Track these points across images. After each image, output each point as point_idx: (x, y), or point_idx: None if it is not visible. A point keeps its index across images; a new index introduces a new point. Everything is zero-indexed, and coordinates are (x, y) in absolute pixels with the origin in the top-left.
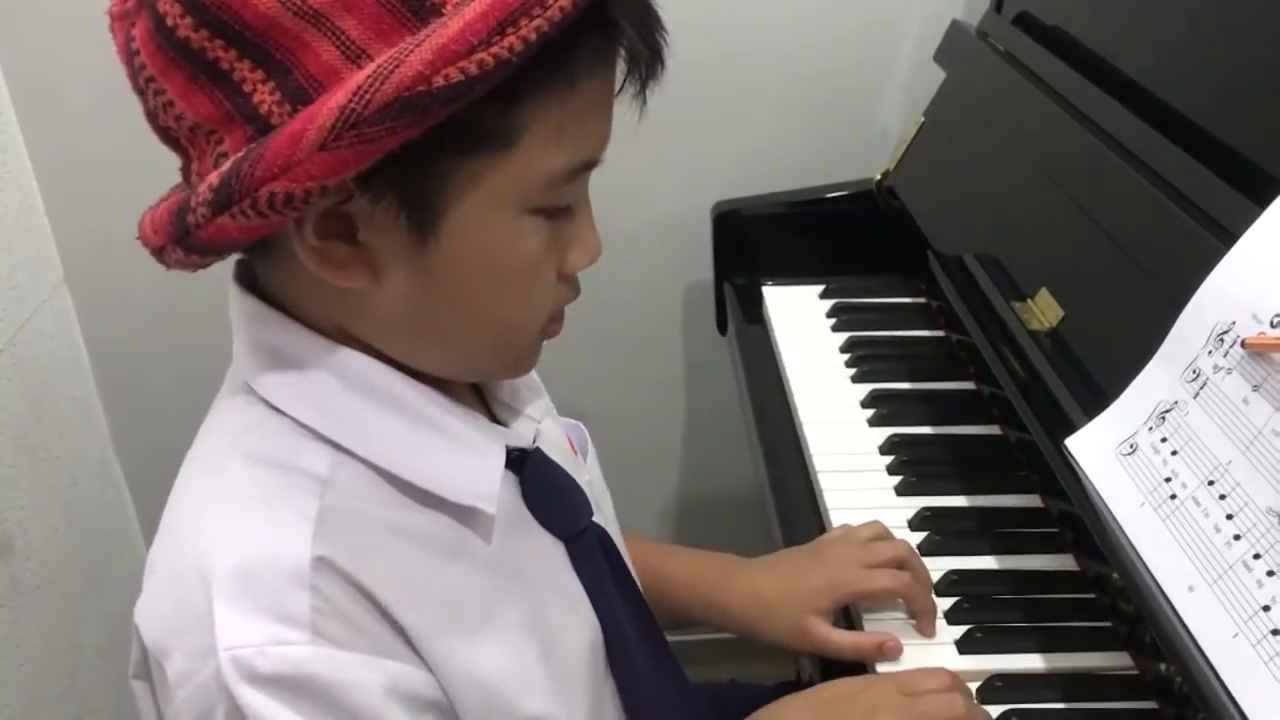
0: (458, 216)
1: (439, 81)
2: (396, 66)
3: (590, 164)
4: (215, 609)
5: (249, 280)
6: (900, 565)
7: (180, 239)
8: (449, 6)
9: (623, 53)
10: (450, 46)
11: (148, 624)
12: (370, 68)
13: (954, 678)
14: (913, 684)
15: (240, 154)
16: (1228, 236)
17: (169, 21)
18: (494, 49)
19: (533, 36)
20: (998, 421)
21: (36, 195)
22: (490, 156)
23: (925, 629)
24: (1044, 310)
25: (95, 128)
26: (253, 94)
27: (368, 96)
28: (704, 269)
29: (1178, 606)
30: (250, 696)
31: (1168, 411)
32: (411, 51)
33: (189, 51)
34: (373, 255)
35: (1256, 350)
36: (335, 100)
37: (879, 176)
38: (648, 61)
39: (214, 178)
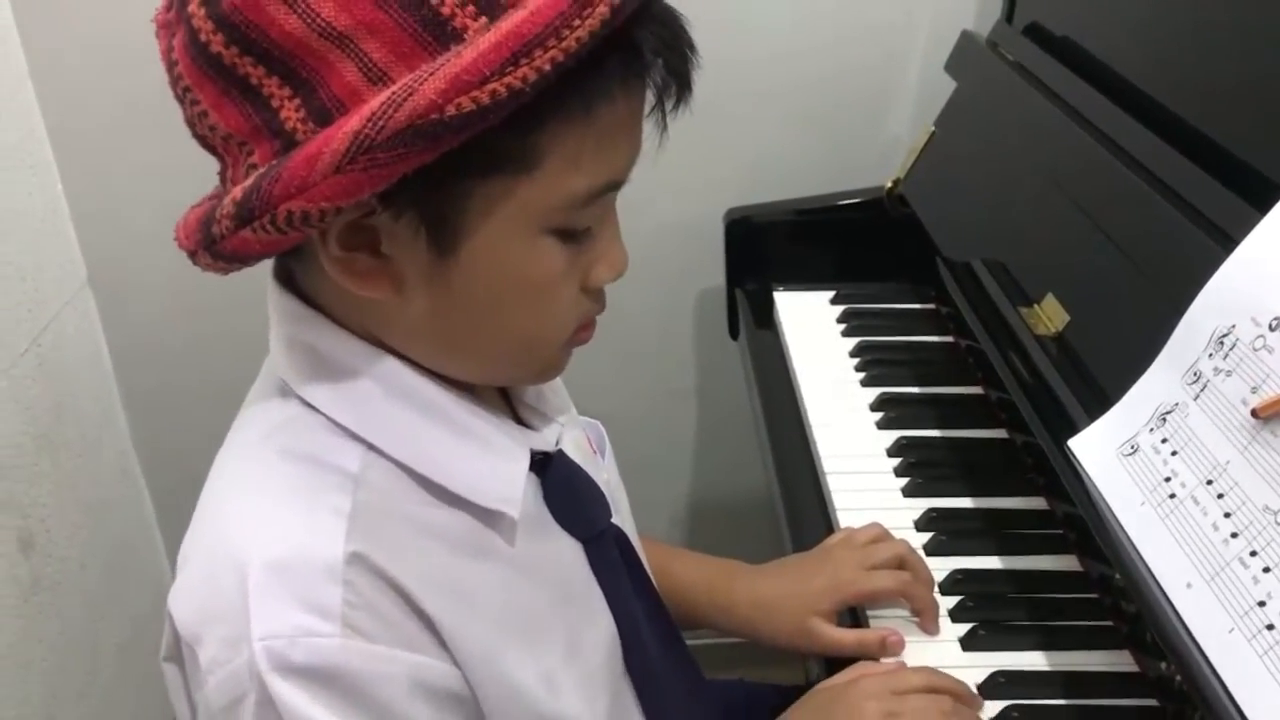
0: (478, 235)
1: (451, 110)
2: (410, 94)
3: (614, 185)
4: (250, 599)
5: (287, 278)
6: (900, 565)
7: (208, 247)
8: (470, 32)
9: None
10: (463, 76)
11: (181, 610)
12: (386, 93)
13: (941, 676)
14: (898, 680)
15: (263, 170)
16: (1230, 242)
17: (202, 37)
18: (507, 79)
19: (547, 68)
20: (1004, 425)
21: (61, 199)
22: (511, 179)
23: (928, 626)
24: (1050, 315)
25: (121, 132)
26: (279, 110)
27: (381, 123)
28: (717, 275)
29: (1175, 603)
30: (281, 687)
31: (1169, 413)
32: (426, 79)
33: (221, 66)
34: (395, 267)
35: (1266, 418)
36: (350, 125)
37: (889, 184)
38: (673, 86)
39: (237, 192)
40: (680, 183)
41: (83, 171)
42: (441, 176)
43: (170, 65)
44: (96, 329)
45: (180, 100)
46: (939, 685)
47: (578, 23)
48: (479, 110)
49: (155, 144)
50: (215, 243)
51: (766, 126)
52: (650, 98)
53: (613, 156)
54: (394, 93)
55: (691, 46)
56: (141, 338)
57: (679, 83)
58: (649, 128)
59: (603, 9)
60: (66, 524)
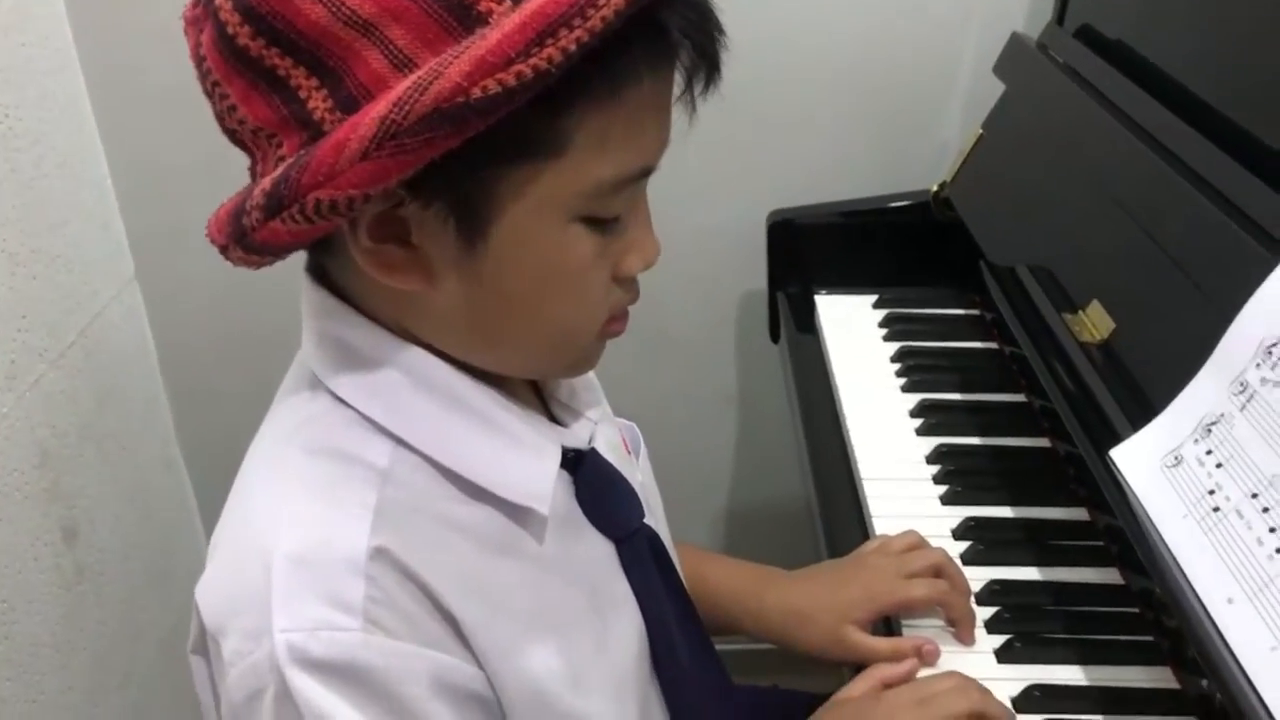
0: (507, 223)
1: (477, 93)
2: (435, 78)
3: (645, 171)
4: (273, 592)
5: (320, 272)
6: (937, 574)
7: (239, 239)
8: (495, 15)
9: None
10: (488, 59)
11: (207, 602)
12: (412, 78)
13: (966, 680)
14: (925, 687)
15: (291, 160)
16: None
17: (229, 30)
18: (532, 61)
19: (572, 48)
20: (1047, 434)
21: (110, 193)
22: (538, 164)
23: (964, 636)
24: (1095, 322)
25: (170, 127)
26: (307, 100)
27: (407, 108)
28: (760, 278)
29: (1216, 618)
30: (300, 680)
31: (1214, 424)
32: (450, 63)
33: (248, 59)
34: (426, 258)
35: None
36: (376, 111)
37: (935, 188)
38: (702, 69)
39: (266, 183)
40: (725, 184)
41: (131, 166)
42: (469, 163)
43: (199, 61)
44: (143, 322)
45: (209, 95)
46: (963, 682)
47: (603, 2)
48: (504, 92)
49: (203, 139)
50: (246, 234)
51: (813, 128)
52: (680, 81)
53: (641, 140)
54: (419, 77)
55: (720, 28)
56: (187, 331)
57: (708, 65)
58: (681, 118)
59: None
60: (109, 514)
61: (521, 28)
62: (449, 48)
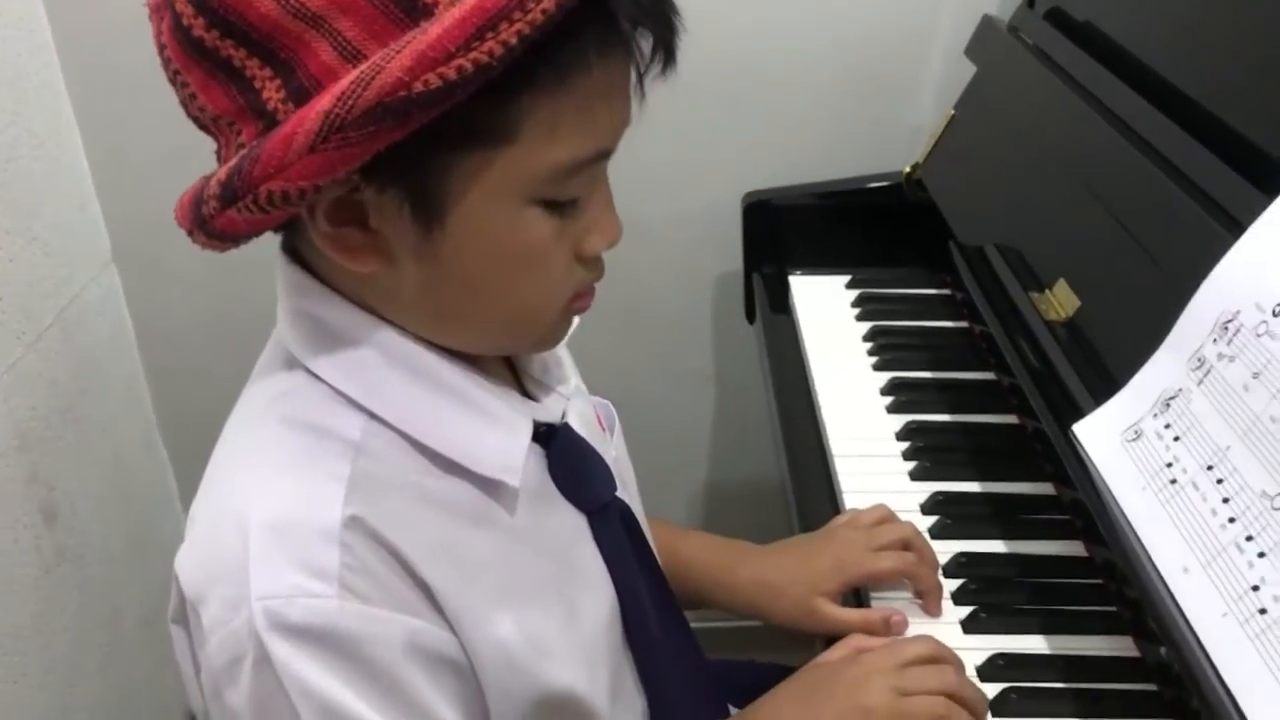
0: (462, 208)
1: (419, 88)
2: (378, 72)
3: (600, 154)
4: (250, 560)
5: (294, 251)
6: (906, 547)
7: (200, 226)
8: (440, 7)
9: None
10: (429, 53)
11: (187, 572)
12: (356, 72)
13: (941, 646)
14: (900, 651)
15: (245, 151)
16: (1241, 229)
17: (184, 21)
18: (473, 55)
19: (513, 41)
20: (1015, 411)
21: (87, 175)
22: (490, 151)
23: (931, 608)
24: (1061, 301)
25: (147, 109)
26: (261, 90)
27: (350, 102)
28: (737, 259)
29: (1172, 587)
30: (278, 646)
31: (1173, 399)
32: (393, 57)
33: (204, 49)
34: (385, 241)
35: None
36: (321, 105)
37: (908, 169)
38: (659, 55)
39: (222, 173)
40: (701, 166)
41: (108, 147)
42: (419, 151)
43: (160, 49)
44: (121, 304)
45: (172, 83)
46: (941, 655)
47: None
48: (446, 86)
49: (180, 121)
50: (206, 222)
51: (788, 110)
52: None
53: (593, 126)
54: (362, 72)
55: (674, 12)
56: (165, 313)
57: (662, 51)
58: (655, 101)
59: None
60: (89, 497)
61: (461, 22)
62: (396, 40)
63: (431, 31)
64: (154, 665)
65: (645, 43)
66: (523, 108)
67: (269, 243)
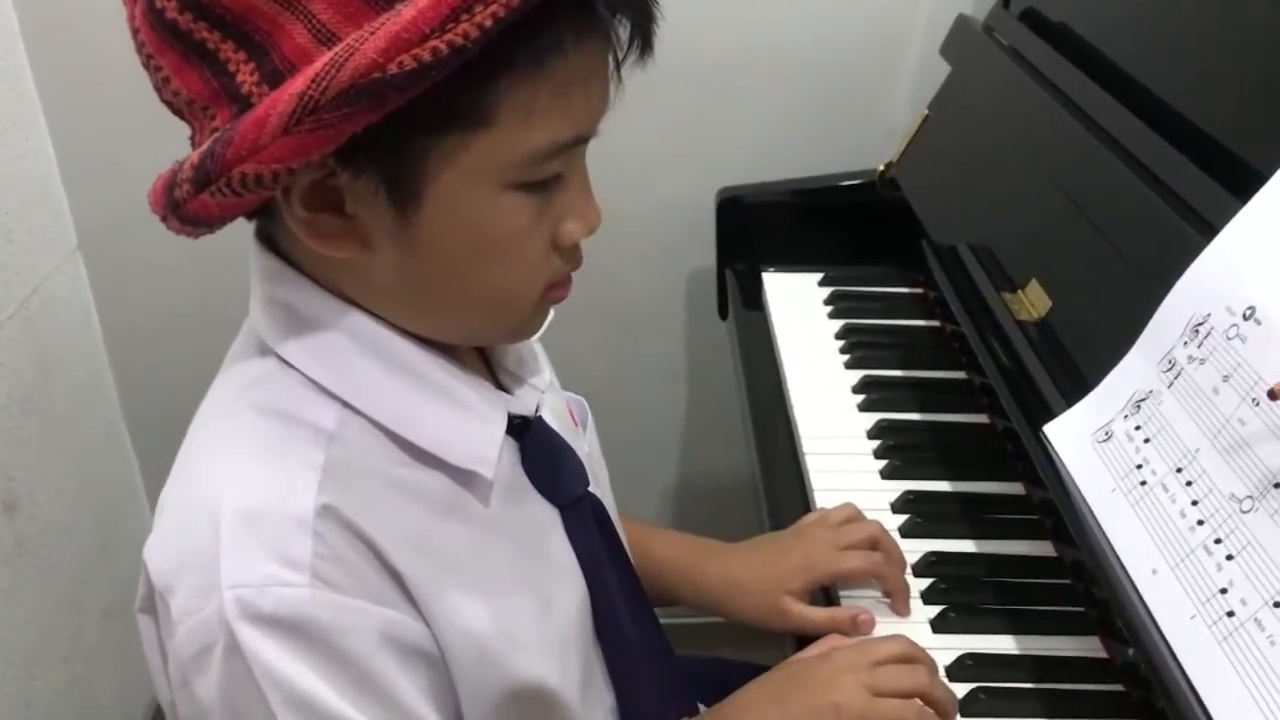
0: (438, 192)
1: (393, 69)
2: (352, 53)
3: (578, 139)
4: (222, 549)
5: (268, 238)
6: (873, 546)
7: (173, 210)
8: None
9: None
10: (403, 35)
11: (156, 560)
12: (330, 54)
13: (914, 645)
14: (873, 650)
15: (218, 134)
16: (1212, 232)
17: (158, 4)
18: (447, 36)
19: (488, 23)
20: (986, 410)
21: (53, 162)
22: (466, 134)
23: (899, 607)
24: (1033, 301)
25: (114, 96)
26: (236, 73)
27: (324, 83)
28: (710, 255)
29: (1140, 588)
30: (249, 635)
31: (1143, 400)
32: (367, 39)
33: (178, 32)
34: (361, 227)
35: None
36: (295, 87)
37: (882, 167)
38: (630, 42)
39: (195, 157)
40: (675, 162)
41: (75, 135)
42: (394, 134)
43: (134, 33)
44: (86, 294)
45: (146, 67)
46: (913, 655)
47: None
48: (421, 68)
49: (148, 109)
50: (179, 206)
51: (763, 107)
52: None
53: (570, 111)
54: (336, 53)
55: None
56: (131, 303)
57: (640, 38)
58: (633, 94)
59: None
60: (51, 488)
61: (436, 4)
62: (370, 21)
63: (406, 13)
64: (117, 656)
65: (623, 30)
66: (499, 92)
67: (237, 234)
